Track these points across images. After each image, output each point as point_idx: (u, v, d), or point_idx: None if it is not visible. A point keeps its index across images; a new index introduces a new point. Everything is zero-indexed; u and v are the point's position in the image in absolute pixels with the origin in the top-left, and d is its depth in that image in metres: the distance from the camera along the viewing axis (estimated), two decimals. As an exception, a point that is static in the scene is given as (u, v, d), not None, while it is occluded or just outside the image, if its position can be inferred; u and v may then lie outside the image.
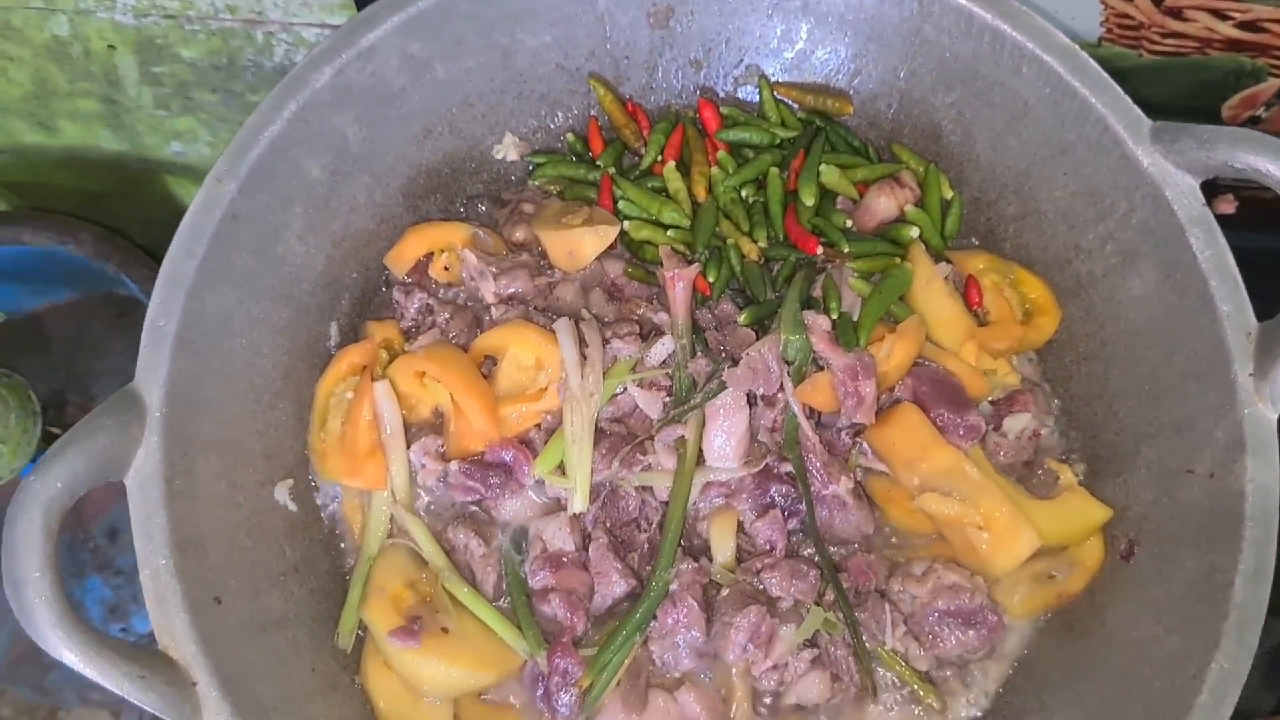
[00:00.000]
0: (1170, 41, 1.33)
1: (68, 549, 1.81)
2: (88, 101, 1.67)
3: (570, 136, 1.29)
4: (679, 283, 1.11)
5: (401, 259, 1.20)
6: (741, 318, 1.14)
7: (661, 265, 1.18)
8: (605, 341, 1.11)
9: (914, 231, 1.19)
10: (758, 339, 1.11)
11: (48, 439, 1.63)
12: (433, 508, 1.14)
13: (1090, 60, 1.10)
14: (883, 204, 1.21)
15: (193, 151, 1.79)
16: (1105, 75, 1.10)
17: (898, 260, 1.18)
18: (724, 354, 1.11)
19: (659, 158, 1.24)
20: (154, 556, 0.95)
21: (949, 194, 1.24)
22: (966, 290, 1.17)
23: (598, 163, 1.26)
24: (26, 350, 1.91)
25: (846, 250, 1.17)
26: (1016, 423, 1.14)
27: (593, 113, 1.29)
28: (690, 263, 1.16)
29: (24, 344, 1.95)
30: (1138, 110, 1.08)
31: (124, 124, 1.73)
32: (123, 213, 1.96)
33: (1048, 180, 1.17)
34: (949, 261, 1.20)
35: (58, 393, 1.82)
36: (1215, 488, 1.02)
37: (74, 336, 1.91)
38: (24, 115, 1.71)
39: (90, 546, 1.81)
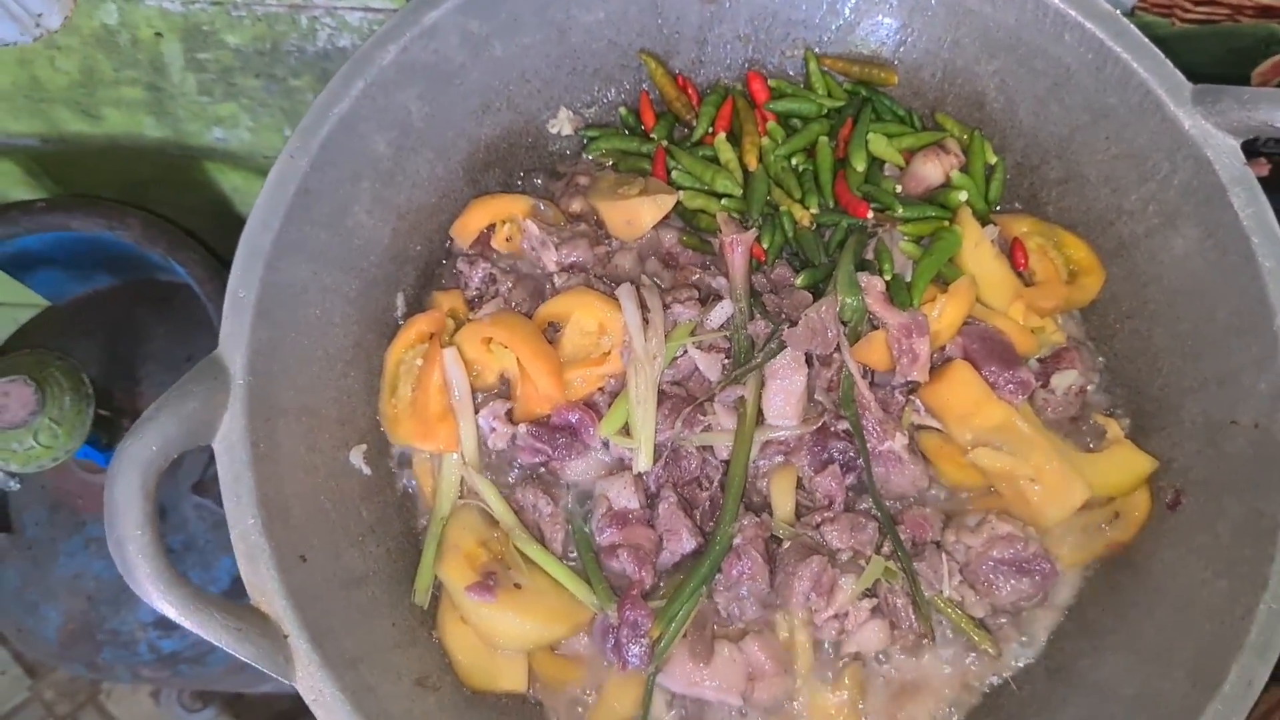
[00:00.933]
0: (1202, 9, 1.37)
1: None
2: (133, 89, 1.70)
3: (623, 110, 1.32)
4: (737, 248, 1.15)
5: (466, 230, 1.24)
6: (798, 280, 1.17)
7: (716, 233, 1.22)
8: (665, 306, 1.14)
9: (961, 195, 1.22)
10: (814, 301, 1.15)
11: (99, 422, 1.66)
12: (501, 470, 1.18)
13: (1131, 26, 1.14)
14: (929, 170, 1.24)
15: (234, 137, 1.82)
16: (1146, 40, 1.13)
17: (946, 224, 1.21)
18: (782, 316, 1.14)
19: (710, 129, 1.28)
20: (243, 516, 0.99)
21: (993, 159, 1.27)
22: (1012, 252, 1.21)
23: (651, 135, 1.29)
24: (71, 335, 1.94)
25: (899, 213, 1.20)
26: (1064, 379, 1.18)
27: (644, 87, 1.33)
28: (746, 229, 1.20)
29: (69, 329, 1.98)
30: (1179, 74, 1.12)
31: (167, 111, 1.75)
32: (163, 199, 1.99)
33: (1090, 144, 1.20)
34: (994, 225, 1.23)
35: (104, 377, 1.85)
36: (1259, 437, 1.05)
37: (118, 322, 1.94)
38: (69, 104, 1.74)
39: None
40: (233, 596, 1.84)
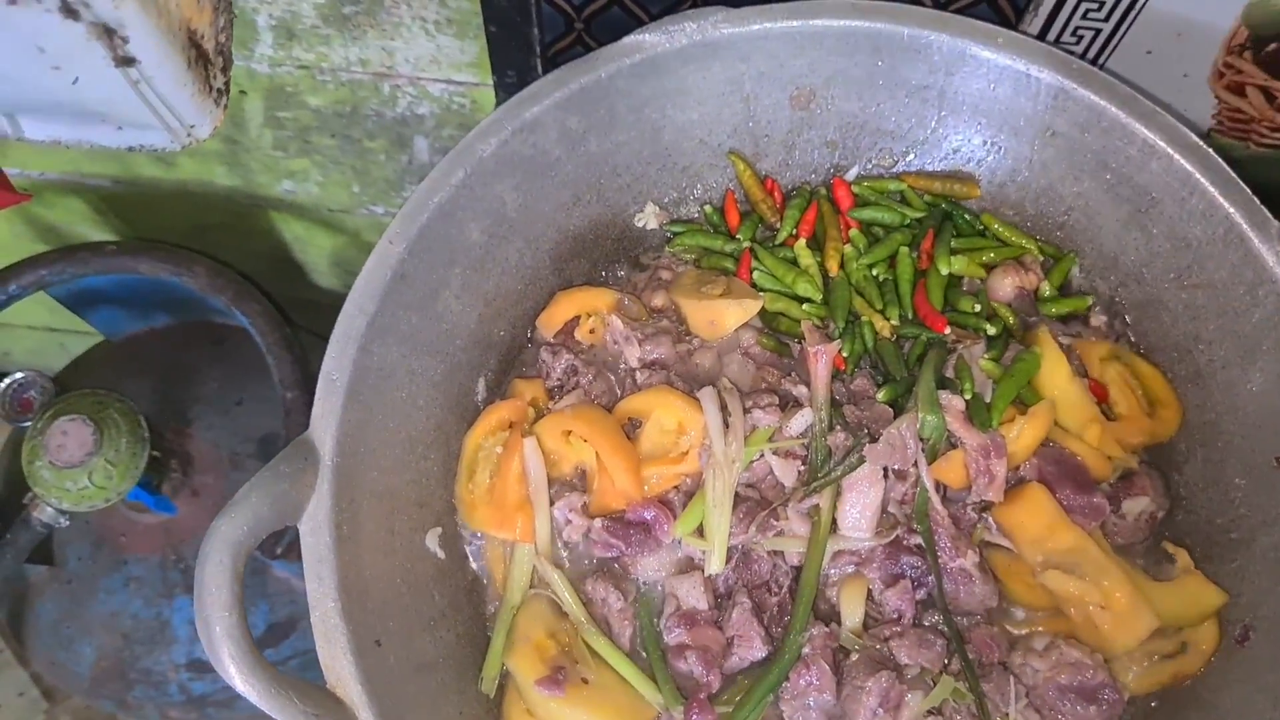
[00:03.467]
0: (1278, 135, 1.39)
1: (157, 568, 1.86)
2: (210, 141, 1.72)
3: (708, 209, 1.34)
4: (822, 357, 1.16)
5: (551, 321, 1.26)
6: (880, 395, 1.18)
7: (795, 337, 1.24)
8: (746, 410, 1.16)
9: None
10: (894, 415, 1.16)
11: (148, 464, 1.68)
12: (570, 561, 1.19)
13: (1219, 159, 1.15)
14: (1007, 285, 1.26)
15: (302, 191, 1.85)
16: (1233, 174, 1.15)
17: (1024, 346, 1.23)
18: (863, 429, 1.16)
19: (794, 232, 1.30)
20: (324, 599, 1.00)
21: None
22: (1092, 389, 1.21)
23: (736, 236, 1.31)
24: (125, 373, 1.97)
25: (990, 331, 1.22)
26: (1135, 505, 1.19)
27: (730, 186, 1.35)
28: (829, 339, 1.21)
29: (123, 367, 2.01)
30: (1265, 211, 1.13)
31: (240, 162, 1.79)
32: (225, 242, 2.02)
33: (1170, 271, 1.22)
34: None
35: (154, 417, 1.87)
36: (1332, 580, 1.06)
37: (171, 362, 1.97)
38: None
39: (180, 568, 1.86)
40: (267, 642, 1.85)
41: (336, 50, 1.50)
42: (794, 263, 1.28)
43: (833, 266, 1.26)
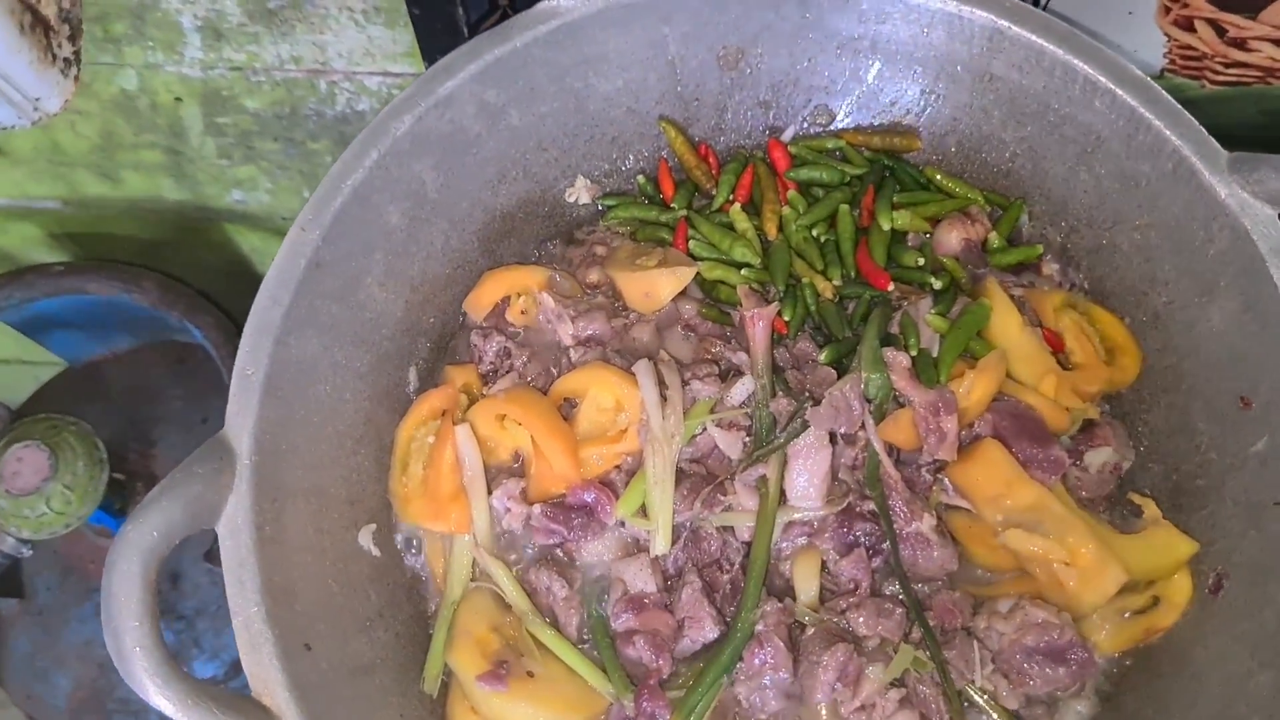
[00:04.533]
0: (1233, 71, 1.33)
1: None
2: (152, 153, 1.70)
3: (641, 179, 1.30)
4: (759, 322, 1.11)
5: (479, 303, 1.21)
6: (822, 356, 1.14)
7: (736, 305, 1.19)
8: (684, 382, 1.11)
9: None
10: (838, 377, 1.11)
11: (112, 485, 1.65)
12: (512, 550, 1.14)
13: (1164, 92, 1.10)
14: (954, 238, 1.21)
15: (253, 199, 1.81)
16: (1179, 107, 1.10)
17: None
18: (806, 393, 1.11)
19: (730, 197, 1.25)
20: (246, 604, 0.96)
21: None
22: (1046, 334, 1.17)
23: (671, 205, 1.27)
24: (88, 398, 1.94)
25: (936, 286, 1.17)
26: (1098, 456, 1.14)
27: (663, 154, 1.30)
28: (768, 302, 1.17)
29: (85, 391, 1.98)
30: (1214, 141, 1.08)
31: (186, 174, 1.75)
32: (182, 260, 1.99)
33: (1121, 213, 1.17)
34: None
35: (118, 440, 1.84)
36: (1307, 520, 1.01)
37: (134, 384, 1.94)
38: (89, 167, 1.75)
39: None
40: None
41: (267, 48, 1.46)
42: (731, 228, 1.23)
43: (771, 230, 1.22)
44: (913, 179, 1.27)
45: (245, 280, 2.06)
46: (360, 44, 1.43)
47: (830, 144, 1.28)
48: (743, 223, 1.22)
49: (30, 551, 1.66)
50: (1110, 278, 1.21)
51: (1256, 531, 1.05)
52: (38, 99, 0.80)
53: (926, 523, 1.07)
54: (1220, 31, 1.28)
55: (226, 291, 1.86)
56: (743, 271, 1.20)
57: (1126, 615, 1.09)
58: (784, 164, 1.26)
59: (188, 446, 1.87)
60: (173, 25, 1.42)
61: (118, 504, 1.79)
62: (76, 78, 0.84)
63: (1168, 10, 1.25)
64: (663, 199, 1.29)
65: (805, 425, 1.07)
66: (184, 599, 1.79)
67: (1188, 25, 1.27)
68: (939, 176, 1.26)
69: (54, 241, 2.00)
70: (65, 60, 0.82)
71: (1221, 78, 1.34)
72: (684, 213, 1.25)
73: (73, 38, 0.82)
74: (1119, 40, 1.30)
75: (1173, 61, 1.33)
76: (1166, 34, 1.29)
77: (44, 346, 2.05)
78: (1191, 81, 1.35)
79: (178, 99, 1.57)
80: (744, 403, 1.12)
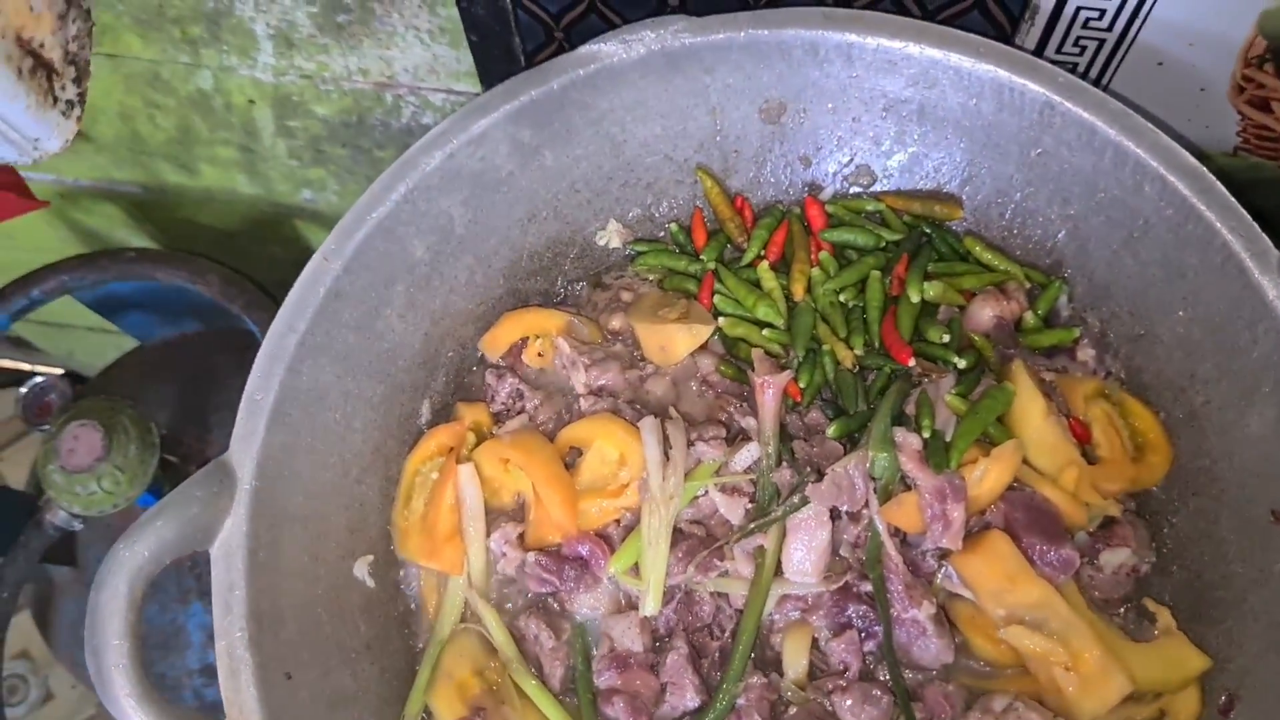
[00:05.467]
0: (1317, 150, 1.27)
1: (173, 573, 1.87)
2: (226, 149, 1.74)
3: (674, 227, 1.28)
4: (769, 389, 1.09)
5: (496, 343, 1.21)
6: (831, 430, 1.11)
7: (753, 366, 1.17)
8: (690, 443, 1.09)
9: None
10: (845, 452, 1.09)
11: (164, 469, 1.69)
12: (506, 594, 1.14)
13: (1218, 183, 1.05)
14: (987, 314, 1.17)
15: (321, 200, 1.85)
16: (1233, 200, 1.04)
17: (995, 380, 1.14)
18: (809, 466, 1.08)
19: (761, 253, 1.23)
20: (231, 628, 0.97)
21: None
22: (1073, 429, 1.12)
23: (700, 256, 1.25)
24: (153, 378, 1.99)
25: (959, 364, 1.14)
26: (1115, 557, 1.09)
27: (698, 204, 1.29)
28: (784, 368, 1.14)
29: (151, 372, 2.03)
30: (1266, 239, 1.03)
31: (259, 171, 1.79)
32: (254, 251, 2.04)
33: (1164, 303, 1.12)
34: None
35: (177, 421, 1.88)
36: (1329, 650, 0.96)
37: (199, 368, 1.98)
38: (168, 158, 1.79)
39: (195, 574, 1.87)
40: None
41: (336, 59, 1.49)
42: (758, 285, 1.21)
43: (798, 290, 1.19)
44: (951, 248, 1.23)
45: (313, 275, 2.10)
46: (425, 61, 1.44)
47: (870, 206, 1.25)
48: (770, 281, 1.20)
49: (81, 525, 1.71)
50: (1148, 369, 1.15)
51: (1275, 654, 1.00)
52: (37, 139, 0.82)
53: (925, 610, 1.04)
54: (1297, 112, 1.21)
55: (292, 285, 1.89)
56: (765, 332, 1.18)
57: (1129, 727, 1.05)
58: (819, 223, 1.23)
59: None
60: (247, 32, 1.45)
61: (168, 488, 1.83)
62: (79, 118, 0.86)
63: (1241, 89, 1.19)
64: (694, 249, 1.27)
65: (805, 500, 1.04)
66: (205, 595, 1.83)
67: (1263, 106, 1.21)
68: (979, 248, 1.22)
69: (135, 224, 2.06)
70: (68, 102, 0.83)
71: (1303, 156, 1.27)
72: (712, 265, 1.23)
73: (78, 79, 0.84)
74: (1190, 118, 1.24)
75: (1246, 140, 1.27)
76: (1240, 112, 1.23)
77: (118, 326, 2.12)
78: (1266, 161, 1.28)
79: (251, 101, 1.61)
80: (749, 469, 1.10)
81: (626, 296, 1.24)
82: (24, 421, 1.81)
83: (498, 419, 1.19)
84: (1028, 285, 1.21)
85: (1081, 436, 1.12)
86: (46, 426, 1.74)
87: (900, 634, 1.05)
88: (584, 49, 1.13)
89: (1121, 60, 1.19)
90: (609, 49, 1.13)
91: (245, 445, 1.02)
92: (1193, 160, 1.06)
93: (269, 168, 1.79)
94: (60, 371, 2.40)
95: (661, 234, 1.31)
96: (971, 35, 1.12)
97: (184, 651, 1.88)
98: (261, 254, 2.06)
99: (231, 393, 1.94)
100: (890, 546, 1.05)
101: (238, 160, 1.78)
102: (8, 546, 1.71)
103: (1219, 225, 1.04)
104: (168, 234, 2.09)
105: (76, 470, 1.60)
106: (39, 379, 1.82)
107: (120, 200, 1.99)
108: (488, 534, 1.12)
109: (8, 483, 2.76)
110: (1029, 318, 1.18)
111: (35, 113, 0.77)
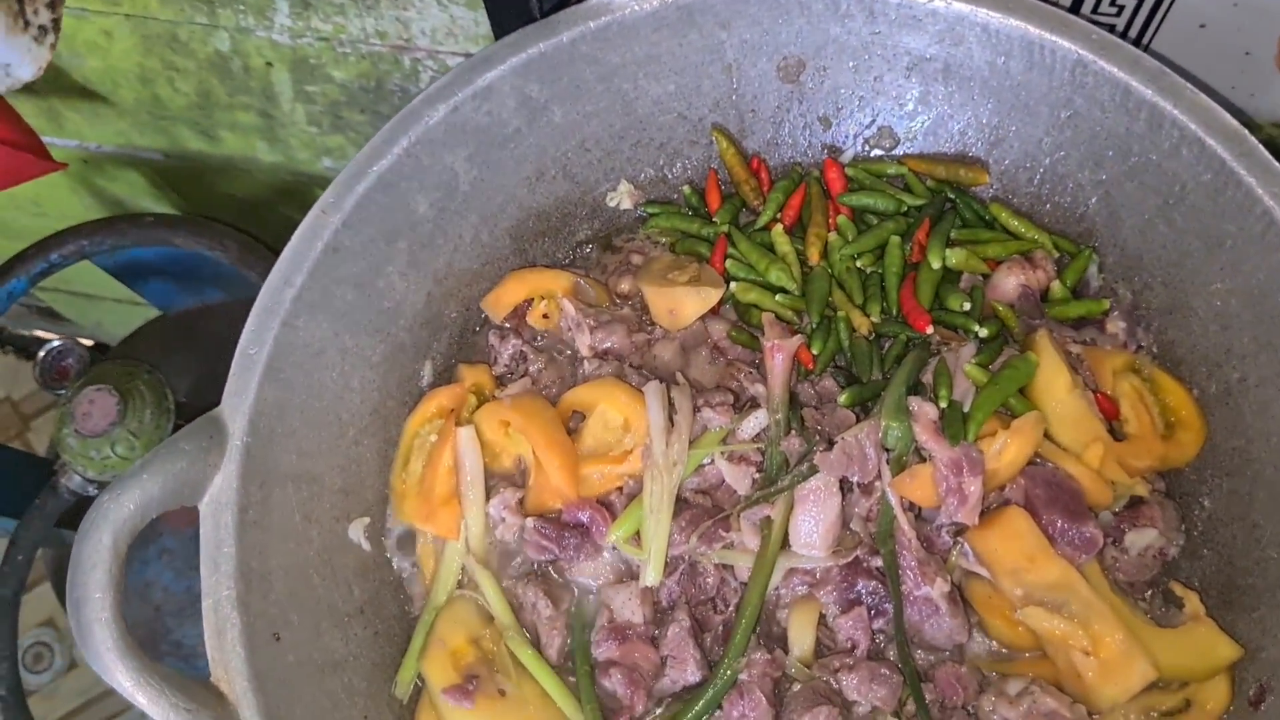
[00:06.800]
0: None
1: (190, 542, 1.86)
2: (246, 114, 1.72)
3: (687, 189, 1.24)
4: (778, 354, 1.05)
5: (499, 303, 1.18)
6: (842, 398, 1.06)
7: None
8: (696, 409, 1.05)
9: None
10: (857, 422, 1.04)
11: (179, 434, 1.67)
12: (505, 561, 1.11)
13: (1260, 147, 0.99)
14: (1011, 284, 1.12)
15: (341, 168, 1.82)
16: (1276, 164, 0.99)
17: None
18: (819, 434, 1.04)
19: (776, 216, 1.19)
20: (218, 587, 0.94)
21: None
22: (1101, 405, 1.07)
23: (714, 219, 1.21)
24: (176, 347, 1.99)
25: (981, 333, 1.09)
26: (1141, 538, 1.04)
27: (713, 165, 1.24)
28: (795, 333, 1.10)
29: (174, 340, 2.03)
30: (1310, 206, 0.97)
31: (279, 138, 1.78)
32: (277, 218, 2.03)
33: (1200, 274, 1.06)
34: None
35: (196, 391, 1.87)
36: (1368, 639, 0.90)
37: (220, 337, 1.96)
38: (189, 123, 1.78)
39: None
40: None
41: (353, 21, 1.46)
42: (772, 249, 1.16)
43: (813, 255, 1.15)
44: (976, 215, 1.18)
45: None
46: (443, 23, 1.41)
47: (891, 169, 1.20)
48: (784, 245, 1.15)
49: (96, 490, 1.70)
50: (1182, 343, 1.10)
51: (1311, 644, 0.95)
52: (7, 65, 0.79)
53: (938, 588, 1.00)
54: (1350, 78, 1.15)
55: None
56: (777, 298, 1.13)
57: (1154, 715, 1.00)
58: (839, 186, 1.18)
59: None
60: (264, -8, 1.43)
61: (183, 455, 1.82)
62: (53, 45, 0.83)
63: (1288, 54, 1.13)
64: (707, 211, 1.22)
65: (814, 469, 1.00)
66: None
67: (1311, 71, 1.15)
68: (1005, 214, 1.17)
69: (158, 191, 2.06)
70: (40, 27, 0.81)
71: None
72: (725, 228, 1.19)
73: (51, 4, 0.81)
74: (1235, 84, 1.18)
75: (1296, 107, 1.21)
76: (1287, 78, 1.17)
77: (139, 293, 2.11)
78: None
79: (269, 64, 1.59)
80: (756, 437, 1.05)
81: (637, 259, 1.20)
82: (41, 385, 1.80)
83: (500, 381, 1.15)
84: (1056, 254, 1.16)
85: (1109, 412, 1.07)
86: (63, 391, 1.73)
87: (912, 612, 1.01)
88: (595, 0, 1.09)
89: (1162, 21, 1.14)
90: (621, 1, 1.09)
91: (237, 400, 0.99)
92: (1233, 122, 1.01)
93: (289, 134, 1.77)
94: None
95: (675, 196, 1.26)
96: (1003, -11, 1.07)
97: (199, 620, 1.87)
98: (284, 221, 2.04)
99: (251, 362, 1.94)
100: (903, 521, 1.01)
101: (258, 126, 1.76)
102: (24, 510, 1.70)
103: (1260, 191, 0.99)
104: (190, 201, 2.08)
105: (91, 434, 1.59)
106: (56, 342, 1.81)
107: (143, 167, 1.99)
108: (486, 499, 1.08)
109: (35, 452, 2.78)
110: (1056, 287, 1.13)
111: (4, 37, 0.75)
